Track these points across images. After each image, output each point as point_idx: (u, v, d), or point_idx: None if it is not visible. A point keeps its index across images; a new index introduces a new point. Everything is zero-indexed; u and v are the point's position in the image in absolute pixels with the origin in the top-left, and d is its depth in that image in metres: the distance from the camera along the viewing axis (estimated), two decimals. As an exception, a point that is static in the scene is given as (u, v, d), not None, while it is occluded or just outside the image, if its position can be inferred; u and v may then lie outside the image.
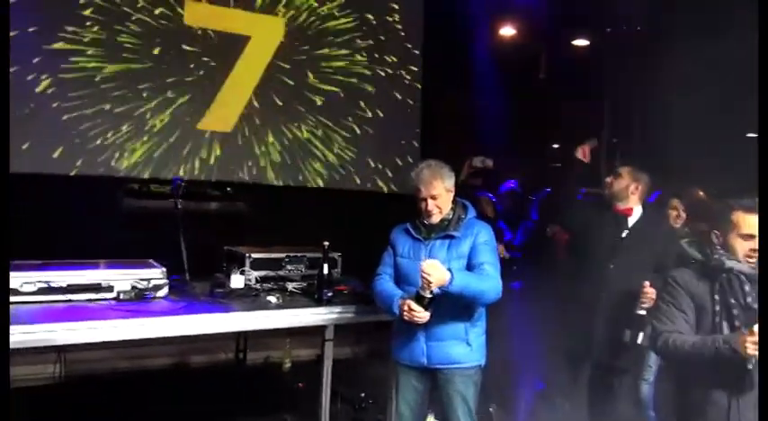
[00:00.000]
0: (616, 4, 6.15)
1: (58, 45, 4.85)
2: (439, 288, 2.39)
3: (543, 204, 4.13)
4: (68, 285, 2.82)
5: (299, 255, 3.52)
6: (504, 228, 4.18)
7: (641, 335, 2.92)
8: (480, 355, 2.67)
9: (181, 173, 5.31)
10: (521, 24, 6.81)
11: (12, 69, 4.46)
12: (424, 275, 2.37)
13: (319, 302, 3.05)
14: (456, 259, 2.58)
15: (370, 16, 6.26)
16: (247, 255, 3.39)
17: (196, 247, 3.44)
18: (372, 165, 6.31)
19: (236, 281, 3.23)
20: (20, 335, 2.28)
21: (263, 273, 3.40)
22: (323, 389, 3.50)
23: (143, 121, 5.25)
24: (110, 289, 2.92)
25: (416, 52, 6.49)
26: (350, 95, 6.18)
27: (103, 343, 2.61)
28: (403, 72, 6.44)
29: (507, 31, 6.87)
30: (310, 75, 5.98)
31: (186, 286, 3.21)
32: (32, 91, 4.74)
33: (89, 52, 4.99)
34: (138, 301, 2.90)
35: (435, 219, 2.66)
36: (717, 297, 2.23)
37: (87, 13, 4.98)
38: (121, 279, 2.96)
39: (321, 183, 6.06)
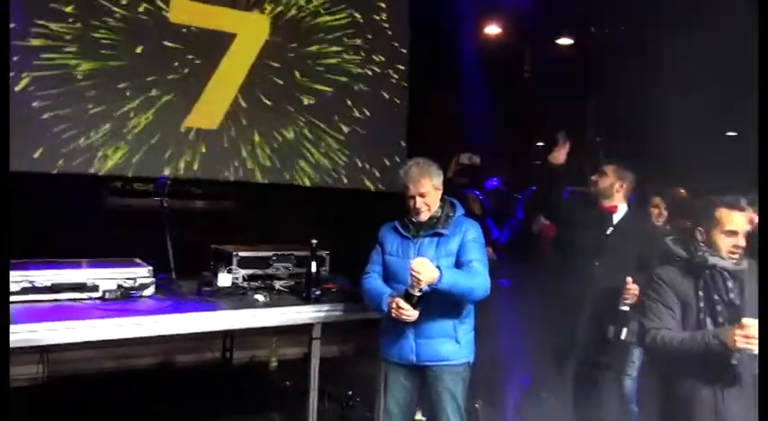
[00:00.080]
0: (600, 4, 6.21)
1: (37, 42, 4.78)
2: (428, 285, 2.40)
3: (529, 202, 4.16)
4: (53, 284, 2.80)
5: (287, 253, 3.52)
6: (491, 225, 4.21)
7: (624, 330, 2.97)
8: (469, 352, 2.68)
9: (166, 172, 5.26)
10: (505, 23, 6.84)
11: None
12: (414, 273, 2.38)
13: (307, 300, 3.05)
14: (445, 257, 2.59)
15: (357, 15, 6.25)
16: (234, 253, 3.38)
17: (182, 246, 3.43)
18: (360, 164, 6.31)
19: (224, 279, 3.21)
20: (3, 335, 2.26)
21: (250, 271, 3.39)
22: (310, 388, 3.50)
23: (126, 119, 5.19)
24: (95, 288, 2.90)
25: (403, 51, 6.48)
26: (337, 95, 6.16)
27: (89, 342, 2.59)
28: (390, 71, 6.44)
29: (492, 29, 6.90)
30: (297, 73, 5.96)
31: (173, 285, 3.20)
32: (11, 90, 4.67)
33: (68, 49, 4.91)
34: (125, 301, 2.88)
35: (424, 216, 2.67)
36: (701, 293, 2.28)
37: (69, 10, 4.92)
38: (107, 278, 2.94)
39: (308, 183, 6.04)
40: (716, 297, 2.26)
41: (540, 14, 6.30)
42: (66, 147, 4.92)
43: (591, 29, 6.70)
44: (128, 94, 5.18)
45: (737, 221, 2.23)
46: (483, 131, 5.72)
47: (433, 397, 2.66)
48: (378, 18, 6.37)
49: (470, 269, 2.55)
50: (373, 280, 2.72)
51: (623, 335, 2.98)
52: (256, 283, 3.34)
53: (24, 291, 2.71)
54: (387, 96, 6.42)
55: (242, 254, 3.40)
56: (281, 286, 3.34)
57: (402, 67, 6.49)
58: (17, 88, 4.69)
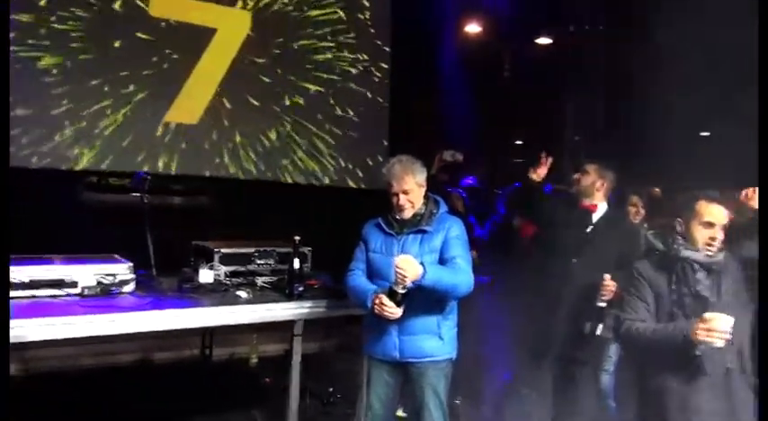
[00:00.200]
0: (579, 4, 6.29)
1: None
2: (412, 282, 2.41)
3: (510, 198, 4.20)
4: (30, 280, 2.75)
5: (269, 249, 3.51)
6: (474, 222, 4.24)
7: (600, 326, 3.02)
8: (452, 348, 2.70)
9: (145, 168, 5.20)
10: (486, 24, 6.90)
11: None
12: (399, 271, 2.38)
13: (290, 297, 3.05)
14: (428, 253, 2.61)
15: (341, 12, 6.24)
16: (216, 249, 3.36)
17: (161, 242, 3.39)
18: (342, 163, 6.30)
19: (205, 275, 3.20)
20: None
21: (232, 267, 3.37)
22: (291, 385, 3.49)
23: (103, 114, 5.11)
24: (73, 284, 2.86)
25: (386, 49, 6.49)
26: (321, 93, 6.15)
27: (67, 339, 2.55)
28: (373, 69, 6.45)
29: (473, 29, 6.95)
30: (281, 70, 5.93)
31: (153, 281, 3.17)
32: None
33: (45, 44, 4.82)
34: (104, 297, 2.85)
35: (407, 213, 2.68)
36: (674, 286, 2.33)
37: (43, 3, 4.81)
38: (86, 274, 2.90)
39: (290, 180, 6.02)
40: (685, 289, 2.31)
41: (520, 15, 6.36)
42: (46, 140, 4.83)
43: (570, 28, 6.78)
44: (106, 88, 5.09)
45: (715, 213, 2.28)
46: (464, 130, 5.75)
47: (416, 393, 2.68)
48: (362, 17, 6.36)
49: (454, 266, 2.56)
50: (357, 277, 2.72)
51: (599, 331, 3.03)
52: (238, 280, 3.33)
53: (1, 287, 2.66)
54: (370, 95, 6.42)
55: (224, 250, 3.38)
56: (264, 283, 3.33)
57: (385, 66, 6.50)
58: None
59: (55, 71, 4.89)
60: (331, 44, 6.19)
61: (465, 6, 6.74)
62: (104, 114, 5.10)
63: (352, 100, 6.29)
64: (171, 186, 5.83)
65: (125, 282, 2.97)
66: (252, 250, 3.47)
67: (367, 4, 6.37)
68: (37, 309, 2.54)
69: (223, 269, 3.33)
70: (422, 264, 2.44)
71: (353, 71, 6.32)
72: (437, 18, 6.54)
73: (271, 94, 5.86)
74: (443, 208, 2.77)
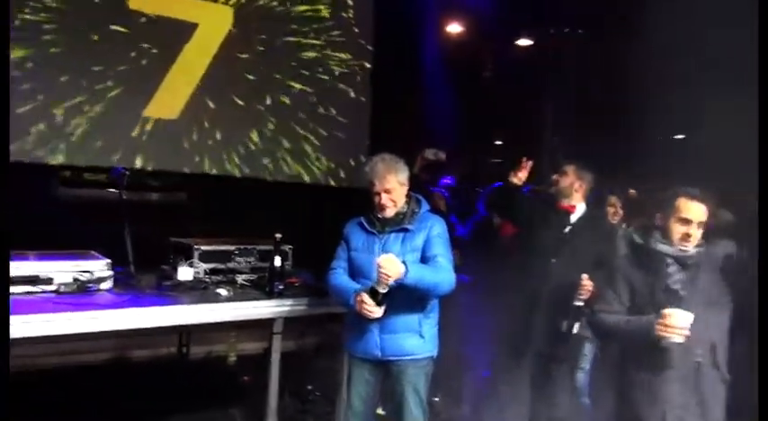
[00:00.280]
0: (560, 6, 6.36)
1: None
2: (394, 280, 2.42)
3: (490, 198, 4.23)
4: (4, 277, 2.69)
5: (250, 247, 3.48)
6: (455, 222, 4.27)
7: (577, 325, 3.07)
8: (433, 346, 2.72)
9: (120, 163, 5.11)
10: (467, 24, 6.94)
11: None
12: (382, 271, 2.39)
13: (271, 295, 3.04)
14: (410, 252, 2.62)
15: (325, 11, 6.22)
16: (195, 246, 3.33)
17: (139, 239, 3.35)
18: (325, 163, 6.28)
19: (184, 273, 3.17)
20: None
21: (211, 265, 3.35)
22: (270, 383, 3.48)
23: (78, 110, 5.01)
24: (49, 281, 2.81)
25: (369, 48, 6.49)
26: (305, 92, 6.12)
27: (42, 337, 2.50)
28: (357, 68, 6.44)
29: (454, 28, 6.99)
30: (264, 68, 5.89)
31: (131, 279, 3.12)
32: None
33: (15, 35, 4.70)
34: (81, 294, 2.80)
35: (389, 212, 2.69)
36: (649, 280, 2.39)
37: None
38: (62, 271, 2.85)
39: (269, 178, 5.98)
40: (657, 283, 2.36)
41: (502, 15, 6.42)
42: (21, 134, 4.70)
43: (550, 30, 6.85)
44: (84, 83, 4.98)
45: (693, 210, 2.33)
46: (445, 129, 5.79)
47: (397, 390, 2.69)
48: (345, 15, 6.35)
49: (435, 264, 2.58)
50: (339, 275, 2.73)
51: (575, 330, 3.09)
52: (218, 278, 3.31)
53: (-27, 283, 2.60)
54: (353, 94, 6.41)
55: (203, 247, 3.35)
56: (244, 280, 3.31)
57: (368, 65, 6.49)
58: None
59: (28, 64, 4.75)
60: (315, 42, 6.16)
61: (446, 6, 6.77)
62: (79, 110, 4.99)
63: (336, 99, 6.27)
64: (149, 182, 5.77)
65: (102, 279, 2.93)
66: (232, 247, 3.45)
67: (350, 2, 6.36)
68: (12, 307, 2.48)
69: (203, 266, 3.30)
70: (404, 262, 2.45)
71: (337, 70, 6.30)
72: (419, 17, 6.57)
73: (254, 92, 5.81)
74: (425, 207, 2.79)
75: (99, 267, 2.95)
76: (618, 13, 5.51)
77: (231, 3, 5.68)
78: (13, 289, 2.68)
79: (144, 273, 3.21)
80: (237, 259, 3.43)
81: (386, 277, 2.40)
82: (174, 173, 5.56)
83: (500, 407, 3.40)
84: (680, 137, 6.59)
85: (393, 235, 2.68)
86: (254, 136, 5.85)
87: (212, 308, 2.86)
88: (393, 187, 2.67)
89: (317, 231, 3.85)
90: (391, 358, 2.65)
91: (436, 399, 3.91)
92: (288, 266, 3.46)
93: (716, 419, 2.34)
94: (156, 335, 4.49)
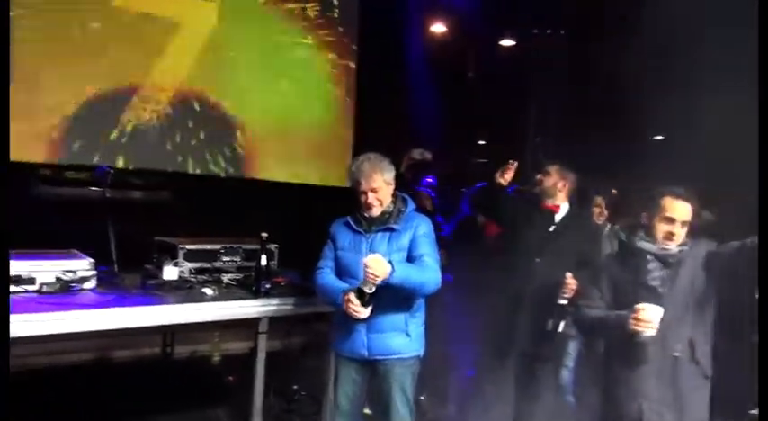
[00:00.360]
0: (543, 8, 6.41)
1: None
2: (381, 280, 2.43)
3: (474, 198, 4.25)
4: (-15, 277, 2.65)
5: (235, 246, 3.47)
6: (441, 222, 4.28)
7: (562, 323, 3.10)
8: (419, 345, 2.73)
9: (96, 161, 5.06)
10: (451, 24, 6.97)
11: None
12: (369, 271, 2.40)
13: (257, 294, 3.03)
14: (396, 251, 2.62)
15: (311, 11, 6.20)
16: (180, 246, 3.30)
17: (122, 238, 3.31)
18: (310, 162, 6.27)
19: (169, 272, 3.14)
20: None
21: (197, 264, 3.32)
22: (256, 383, 3.46)
23: (59, 106, 4.94)
24: (31, 281, 2.77)
25: (354, 47, 6.49)
26: (292, 91, 6.10)
27: (24, 338, 2.47)
28: (342, 68, 6.43)
29: (438, 28, 7.02)
30: (249, 67, 5.86)
31: (115, 278, 3.09)
32: None
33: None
34: (64, 294, 2.77)
35: (376, 212, 2.69)
36: (630, 277, 2.43)
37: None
38: (44, 270, 2.81)
39: (256, 176, 5.96)
40: (638, 280, 2.39)
41: (484, 16, 6.46)
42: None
43: (533, 31, 6.90)
44: (58, 84, 4.90)
45: (678, 209, 2.36)
46: (429, 129, 5.81)
47: (384, 390, 2.69)
48: (330, 15, 6.34)
49: (422, 263, 2.59)
50: (326, 275, 2.72)
51: (561, 328, 3.12)
52: (203, 277, 3.29)
53: (-46, 283, 2.55)
54: (339, 94, 6.40)
55: (188, 246, 3.33)
56: (229, 280, 3.30)
57: (353, 65, 6.49)
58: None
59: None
60: (301, 41, 6.15)
61: (431, 7, 6.80)
62: (58, 110, 4.91)
63: (323, 99, 6.27)
64: (132, 180, 5.70)
65: (86, 279, 2.90)
66: (217, 247, 3.43)
67: (336, 2, 6.35)
68: (-7, 307, 2.44)
69: (188, 266, 3.28)
70: (390, 262, 2.46)
71: (324, 69, 6.30)
72: (403, 17, 6.58)
73: (239, 92, 5.78)
74: (411, 206, 2.79)
75: (82, 266, 2.92)
76: (601, 13, 5.57)
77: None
78: (-7, 288, 2.65)
79: (128, 273, 3.18)
80: (223, 258, 3.41)
81: (372, 277, 2.40)
82: (157, 171, 5.51)
83: (485, 406, 3.43)
84: (666, 137, 6.65)
85: (380, 234, 2.68)
86: (239, 135, 5.82)
87: (198, 307, 2.84)
88: (379, 186, 2.67)
89: (302, 230, 3.84)
90: (378, 357, 2.66)
91: (422, 398, 3.93)
92: (274, 266, 3.45)
93: (697, 415, 2.38)
94: (140, 334, 4.45)
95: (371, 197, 2.67)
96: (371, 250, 2.61)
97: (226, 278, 3.31)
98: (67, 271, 2.86)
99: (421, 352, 2.75)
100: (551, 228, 3.34)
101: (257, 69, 5.90)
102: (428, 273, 2.57)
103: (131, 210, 5.06)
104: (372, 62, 6.48)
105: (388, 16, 6.41)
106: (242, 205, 5.41)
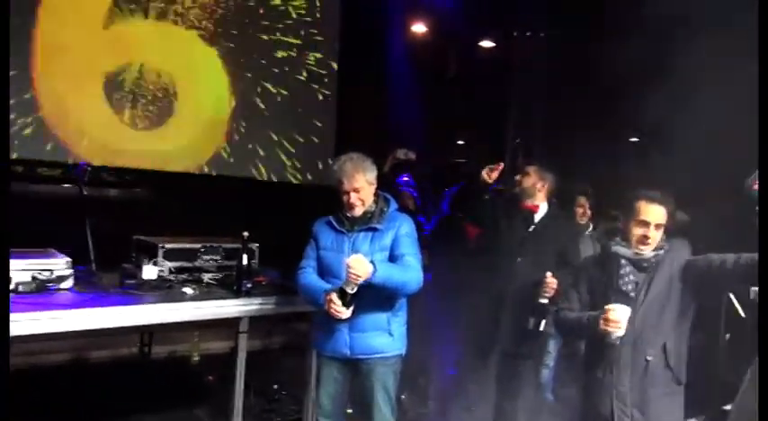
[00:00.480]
0: (522, 9, 6.47)
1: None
2: (363, 280, 2.43)
3: (455, 199, 4.28)
4: (-43, 276, 2.59)
5: (215, 245, 3.43)
6: (423, 221, 4.30)
7: (543, 322, 3.14)
8: (401, 344, 2.74)
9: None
10: (432, 24, 7.00)
11: None
12: (351, 271, 2.40)
13: (238, 294, 3.01)
14: (379, 251, 2.63)
15: (293, 11, 6.17)
16: (160, 245, 3.26)
17: (99, 236, 3.27)
18: (297, 163, 6.25)
19: (149, 272, 3.10)
20: None
21: (176, 263, 3.28)
22: (236, 383, 3.44)
23: (29, 107, 4.84)
24: (6, 280, 2.71)
25: (336, 47, 6.48)
26: (276, 91, 6.07)
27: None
28: (325, 68, 6.41)
29: (419, 28, 7.04)
30: (235, 66, 5.81)
31: (93, 277, 3.05)
32: None
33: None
34: (40, 294, 2.71)
35: (358, 211, 2.69)
36: (605, 281, 2.46)
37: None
38: (20, 269, 2.75)
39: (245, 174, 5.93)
40: (612, 283, 2.42)
41: (465, 17, 6.49)
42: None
43: (513, 33, 6.95)
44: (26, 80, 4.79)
45: (652, 213, 2.38)
46: (410, 129, 5.82)
47: (366, 388, 2.70)
48: (313, 14, 6.32)
49: (404, 263, 2.60)
50: (309, 275, 2.72)
51: (542, 327, 3.16)
52: (183, 276, 3.25)
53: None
54: (321, 94, 6.39)
55: (168, 245, 3.29)
56: (210, 279, 3.27)
57: (335, 65, 6.48)
58: None
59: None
60: (284, 40, 6.12)
61: (412, 7, 6.81)
62: (29, 108, 4.80)
63: (305, 98, 6.25)
64: (107, 178, 5.62)
65: (63, 278, 2.85)
66: (197, 246, 3.39)
67: (318, 4, 6.33)
68: (-33, 307, 2.39)
69: (167, 265, 3.24)
70: (372, 262, 2.46)
71: (307, 69, 6.28)
72: (385, 17, 6.58)
73: (225, 90, 5.73)
74: (394, 206, 2.80)
75: (59, 265, 2.86)
76: (583, 14, 5.63)
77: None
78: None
79: (106, 272, 3.13)
80: (203, 257, 3.38)
81: (355, 277, 2.41)
82: (135, 169, 5.45)
83: (466, 404, 3.46)
84: (646, 139, 6.74)
85: (362, 234, 2.69)
86: (225, 145, 5.78)
87: (178, 307, 2.81)
88: (361, 186, 2.68)
89: (283, 229, 3.82)
90: (360, 356, 2.66)
91: (403, 397, 3.94)
92: (255, 265, 3.43)
93: (671, 418, 2.41)
94: (117, 334, 4.39)
95: (354, 197, 2.67)
96: (354, 250, 2.61)
97: (206, 277, 3.28)
98: (44, 270, 2.81)
99: (403, 351, 2.76)
100: (531, 228, 3.38)
101: (243, 68, 5.86)
102: (410, 273, 2.59)
103: (109, 208, 5.01)
104: (354, 62, 6.48)
105: (370, 16, 6.41)
106: (222, 203, 5.37)
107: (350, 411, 3.44)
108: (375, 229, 2.69)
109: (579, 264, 2.80)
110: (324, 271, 2.72)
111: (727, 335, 3.92)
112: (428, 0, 6.81)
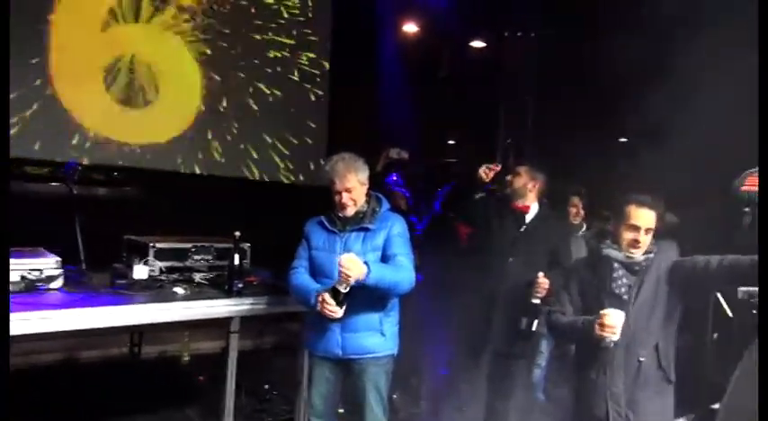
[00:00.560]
0: (514, 10, 6.49)
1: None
2: (355, 280, 2.43)
3: (447, 198, 4.28)
4: (-56, 276, 2.57)
5: (207, 245, 3.43)
6: (414, 221, 4.30)
7: (535, 322, 3.15)
8: (393, 344, 2.74)
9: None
10: (424, 24, 7.01)
11: None
12: (343, 270, 2.40)
13: (229, 293, 3.01)
14: (371, 251, 2.63)
15: (284, 10, 6.16)
16: (151, 244, 3.25)
17: (89, 236, 3.25)
18: (280, 163, 6.23)
19: (140, 271, 3.09)
20: None
21: (167, 263, 3.27)
22: (227, 383, 3.43)
23: (14, 106, 4.79)
24: (-9, 279, 2.68)
25: (328, 46, 6.47)
26: (269, 92, 6.05)
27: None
28: (317, 68, 6.41)
29: (410, 27, 7.06)
30: (227, 66, 5.79)
31: (83, 277, 3.03)
32: None
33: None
34: (30, 293, 2.70)
35: (350, 211, 2.69)
36: (597, 284, 2.48)
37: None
38: (9, 269, 2.72)
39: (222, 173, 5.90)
40: (604, 286, 2.44)
41: (457, 17, 6.51)
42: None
43: (505, 34, 6.98)
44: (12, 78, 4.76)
45: (642, 217, 2.40)
46: (402, 129, 5.83)
47: (358, 388, 2.70)
48: (305, 14, 6.31)
49: (396, 263, 2.60)
50: (300, 275, 2.71)
51: (534, 327, 3.17)
52: (174, 276, 3.24)
53: None
54: (313, 94, 6.38)
55: (159, 245, 3.27)
56: (201, 279, 3.26)
57: (327, 65, 6.48)
58: None
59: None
60: (277, 39, 6.10)
61: (405, 7, 6.82)
62: (14, 108, 4.75)
63: (298, 98, 6.24)
64: (98, 177, 5.59)
65: (52, 278, 2.83)
66: (188, 245, 3.38)
67: (310, 4, 6.32)
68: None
69: (158, 264, 3.22)
70: (365, 262, 2.46)
71: (299, 69, 6.27)
72: (376, 16, 6.59)
73: (218, 91, 5.71)
74: (386, 206, 2.80)
75: (49, 265, 2.84)
76: (575, 14, 5.65)
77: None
78: (-44, 288, 2.57)
79: (96, 272, 3.11)
80: (194, 257, 3.37)
81: (347, 276, 2.41)
82: (125, 168, 5.42)
83: (458, 404, 3.46)
84: (638, 140, 6.77)
85: (354, 234, 2.69)
86: (216, 145, 5.76)
87: (169, 307, 2.80)
88: (353, 186, 2.67)
89: (275, 229, 3.82)
90: (352, 356, 2.66)
91: (395, 397, 3.95)
92: (246, 265, 3.42)
93: (660, 418, 2.44)
94: (108, 334, 4.37)
95: (345, 197, 2.67)
96: (346, 250, 2.61)
97: (197, 277, 3.27)
98: (33, 269, 2.79)
99: (395, 351, 2.76)
100: (522, 229, 3.39)
101: (236, 68, 5.84)
102: (402, 273, 2.59)
103: (100, 207, 4.98)
104: (346, 62, 6.48)
105: (362, 16, 6.41)
106: (214, 203, 5.35)
107: (341, 411, 3.44)
108: (367, 229, 2.69)
109: (570, 266, 2.80)
110: (315, 271, 2.71)
111: (715, 335, 3.95)
112: (420, 0, 6.82)
